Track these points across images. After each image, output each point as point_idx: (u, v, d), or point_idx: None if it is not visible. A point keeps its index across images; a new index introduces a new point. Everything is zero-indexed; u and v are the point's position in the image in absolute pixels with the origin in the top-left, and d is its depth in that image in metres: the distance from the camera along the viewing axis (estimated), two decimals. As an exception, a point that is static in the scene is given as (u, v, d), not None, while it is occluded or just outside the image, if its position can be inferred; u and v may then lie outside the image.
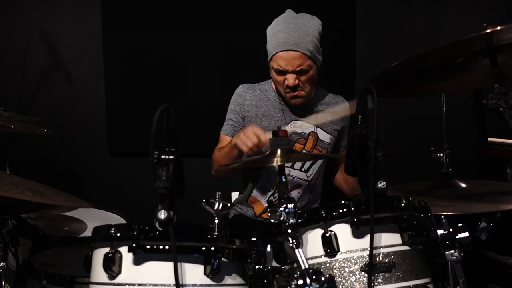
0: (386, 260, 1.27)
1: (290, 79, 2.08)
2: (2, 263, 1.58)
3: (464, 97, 1.94)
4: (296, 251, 1.20)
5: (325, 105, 2.30)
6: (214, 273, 1.19)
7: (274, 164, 1.38)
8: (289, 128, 2.22)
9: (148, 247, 1.18)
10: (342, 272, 1.27)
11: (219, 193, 1.30)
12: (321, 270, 1.20)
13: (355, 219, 1.27)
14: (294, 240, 1.22)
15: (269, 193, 2.26)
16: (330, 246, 1.28)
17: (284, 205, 1.27)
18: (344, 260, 1.28)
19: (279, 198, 1.30)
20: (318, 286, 1.12)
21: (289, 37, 2.05)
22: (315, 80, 2.16)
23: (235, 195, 2.48)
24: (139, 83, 3.02)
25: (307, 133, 2.25)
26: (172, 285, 1.16)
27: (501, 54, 1.40)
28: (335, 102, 2.32)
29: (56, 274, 1.53)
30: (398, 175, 2.03)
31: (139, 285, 1.19)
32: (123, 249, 1.21)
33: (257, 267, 1.25)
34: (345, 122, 2.33)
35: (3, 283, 1.59)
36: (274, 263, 1.33)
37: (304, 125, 2.24)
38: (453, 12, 2.98)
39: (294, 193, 2.22)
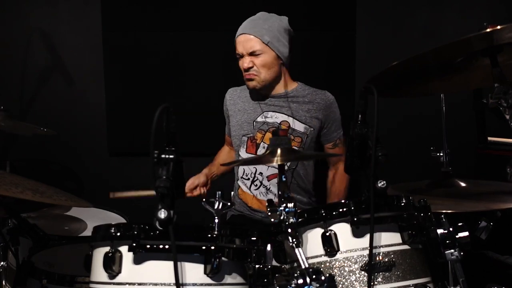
0: (386, 260, 1.27)
1: (244, 62, 2.24)
2: (2, 263, 1.58)
3: (464, 97, 1.94)
4: (296, 250, 1.20)
5: (301, 98, 2.33)
6: (214, 272, 1.19)
7: (274, 163, 1.38)
8: (260, 118, 2.33)
9: (148, 246, 1.19)
10: (342, 271, 1.27)
11: (219, 192, 1.31)
12: (321, 269, 1.21)
13: (355, 219, 1.27)
14: (294, 240, 1.22)
15: (248, 183, 2.35)
16: (330, 245, 1.28)
17: (284, 205, 1.27)
18: (344, 260, 1.28)
19: (279, 198, 1.31)
20: (318, 285, 1.12)
21: (248, 24, 2.26)
22: (272, 66, 2.25)
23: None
24: (139, 83, 3.02)
25: (279, 122, 2.31)
26: (172, 284, 1.17)
27: (501, 54, 1.40)
28: (314, 95, 2.33)
29: (56, 274, 1.53)
30: (398, 175, 2.03)
31: (139, 284, 1.19)
32: (123, 249, 1.21)
33: (257, 266, 1.26)
34: (328, 111, 2.32)
35: (3, 282, 1.59)
36: (274, 263, 1.34)
37: (276, 114, 2.32)
38: (453, 12, 2.98)
39: (272, 182, 2.29)
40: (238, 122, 2.39)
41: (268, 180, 2.30)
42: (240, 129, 2.38)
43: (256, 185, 2.33)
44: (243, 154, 2.37)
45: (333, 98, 2.35)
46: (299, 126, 2.30)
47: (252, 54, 2.22)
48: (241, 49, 2.24)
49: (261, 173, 2.31)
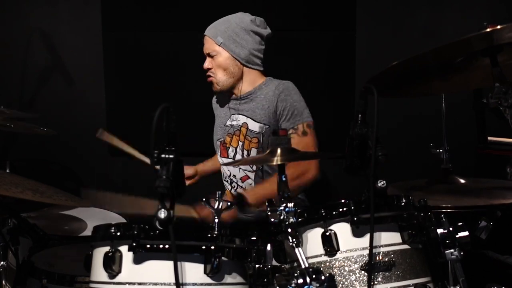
0: (386, 259, 1.27)
1: (205, 63, 2.30)
2: (2, 262, 1.58)
3: (464, 97, 1.94)
4: (296, 250, 1.20)
5: (259, 95, 2.26)
6: (214, 272, 1.19)
7: (274, 163, 1.38)
8: (229, 122, 2.36)
9: (148, 246, 1.19)
10: (342, 271, 1.27)
11: (219, 192, 1.31)
12: (321, 269, 1.21)
13: (355, 218, 1.27)
14: (294, 239, 1.22)
15: (228, 184, 2.37)
16: (330, 245, 1.28)
17: (284, 204, 1.27)
18: (344, 259, 1.28)
19: (279, 197, 1.30)
20: (318, 285, 1.13)
21: (210, 26, 2.30)
22: (227, 67, 2.26)
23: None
24: (139, 83, 3.02)
25: (240, 124, 2.31)
26: (172, 284, 1.17)
27: (501, 54, 1.40)
28: (270, 88, 2.24)
29: (56, 273, 1.53)
30: (398, 175, 2.03)
31: (139, 284, 1.19)
32: (123, 248, 1.21)
33: (257, 266, 1.26)
34: (278, 99, 2.19)
35: (4, 282, 1.59)
36: (274, 262, 1.34)
37: (238, 117, 2.32)
38: (453, 12, 2.98)
39: (247, 183, 2.29)
40: (215, 127, 2.45)
41: (242, 182, 2.30)
42: (215, 134, 2.43)
43: (234, 186, 2.35)
44: (219, 159, 2.40)
45: (287, 85, 2.22)
46: (254, 126, 2.26)
47: (209, 55, 2.27)
48: (204, 50, 2.30)
49: (234, 176, 2.32)
